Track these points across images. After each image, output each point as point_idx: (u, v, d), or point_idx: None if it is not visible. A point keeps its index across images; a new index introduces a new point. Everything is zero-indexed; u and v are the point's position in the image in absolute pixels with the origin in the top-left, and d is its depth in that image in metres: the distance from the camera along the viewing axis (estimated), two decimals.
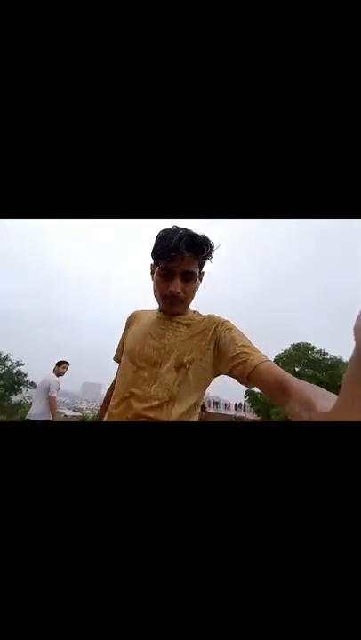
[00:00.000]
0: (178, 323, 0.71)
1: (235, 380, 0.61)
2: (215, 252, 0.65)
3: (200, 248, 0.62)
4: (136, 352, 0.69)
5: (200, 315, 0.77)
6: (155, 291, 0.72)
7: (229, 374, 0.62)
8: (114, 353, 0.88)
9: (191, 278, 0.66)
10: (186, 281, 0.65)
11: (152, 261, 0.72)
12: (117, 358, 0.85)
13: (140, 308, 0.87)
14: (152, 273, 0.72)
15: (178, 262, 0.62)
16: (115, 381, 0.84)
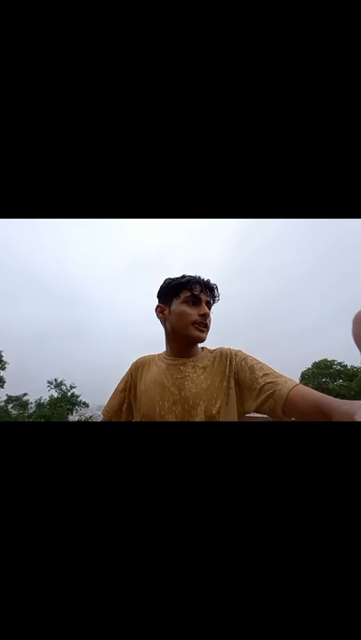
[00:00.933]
0: (193, 367, 0.68)
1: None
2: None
3: (215, 287, 0.72)
4: (156, 412, 0.64)
5: (209, 350, 0.74)
6: (179, 324, 0.69)
7: (259, 411, 0.58)
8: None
9: (209, 309, 0.70)
10: (210, 309, 0.69)
11: (161, 301, 0.74)
12: (111, 409, 0.77)
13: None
14: (162, 312, 0.73)
15: (205, 292, 0.69)
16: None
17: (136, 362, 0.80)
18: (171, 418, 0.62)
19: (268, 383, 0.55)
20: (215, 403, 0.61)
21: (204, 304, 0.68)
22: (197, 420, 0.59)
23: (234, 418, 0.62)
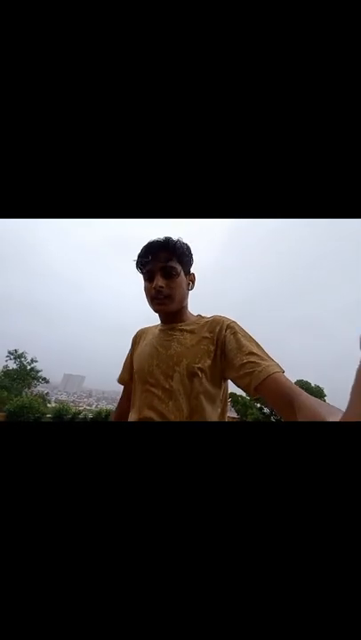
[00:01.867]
0: (181, 330, 0.69)
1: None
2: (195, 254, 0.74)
3: (172, 244, 0.69)
4: (145, 370, 0.67)
5: (204, 317, 0.74)
6: (147, 299, 0.71)
7: (235, 383, 0.60)
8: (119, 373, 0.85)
9: (172, 273, 0.68)
10: (167, 277, 0.67)
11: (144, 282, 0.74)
12: (123, 379, 0.82)
13: (129, 310, 0.89)
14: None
15: (154, 262, 0.67)
16: (122, 403, 0.82)
17: (138, 332, 0.85)
18: (157, 373, 0.64)
19: (251, 362, 0.55)
20: (198, 361, 0.62)
21: (158, 275, 0.67)
22: (178, 376, 0.61)
23: (215, 381, 0.63)
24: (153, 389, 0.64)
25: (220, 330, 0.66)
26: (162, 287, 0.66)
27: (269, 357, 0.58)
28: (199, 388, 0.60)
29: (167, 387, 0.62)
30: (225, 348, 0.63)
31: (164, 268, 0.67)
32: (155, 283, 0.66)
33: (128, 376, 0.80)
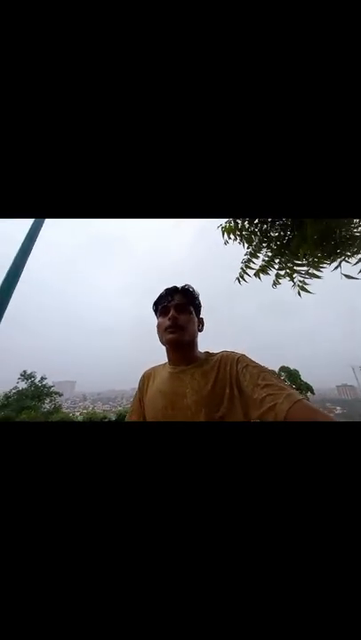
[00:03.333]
0: (193, 374, 0.69)
1: None
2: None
3: (185, 289, 0.80)
4: (161, 420, 0.66)
5: (210, 355, 0.75)
6: (159, 336, 0.76)
7: (260, 420, 0.57)
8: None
9: (185, 310, 0.76)
10: (180, 312, 0.75)
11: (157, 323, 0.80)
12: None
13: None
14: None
15: (171, 300, 0.76)
16: None
17: (143, 374, 0.86)
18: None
19: (270, 395, 0.54)
20: (217, 409, 0.61)
21: (172, 309, 0.74)
22: None
23: (236, 419, 0.61)
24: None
25: (231, 368, 0.65)
26: (176, 317, 0.72)
27: (286, 385, 0.57)
28: None
29: None
30: (240, 385, 0.62)
31: (179, 305, 0.75)
32: (169, 315, 0.73)
33: (138, 419, 0.79)
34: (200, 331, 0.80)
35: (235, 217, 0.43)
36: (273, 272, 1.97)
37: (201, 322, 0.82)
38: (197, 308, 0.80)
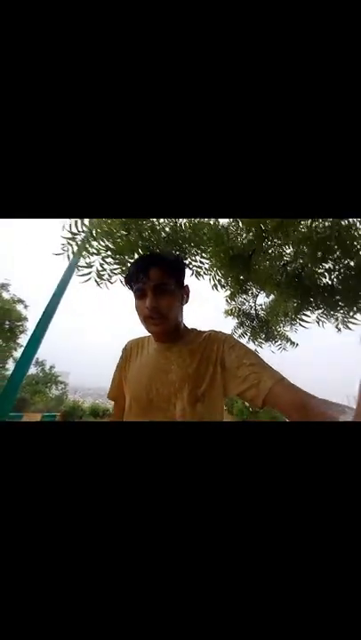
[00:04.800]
0: (180, 351, 0.67)
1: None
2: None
3: (163, 260, 0.67)
4: (144, 395, 0.65)
5: (198, 333, 0.73)
6: (139, 319, 0.68)
7: (241, 397, 0.58)
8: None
9: (165, 290, 0.65)
10: (160, 294, 0.64)
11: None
12: (114, 396, 0.80)
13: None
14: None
15: (145, 280, 0.64)
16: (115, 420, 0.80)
17: (128, 344, 0.80)
18: (158, 400, 0.63)
19: (254, 373, 0.55)
20: (200, 385, 0.61)
21: (150, 293, 0.63)
22: (182, 404, 0.60)
23: (219, 402, 0.63)
24: (153, 415, 0.62)
25: (218, 347, 0.65)
26: (155, 307, 0.63)
27: (269, 366, 0.58)
28: (202, 411, 0.60)
29: (169, 415, 0.61)
30: (225, 363, 0.62)
31: (157, 286, 0.64)
32: (148, 303, 0.63)
33: (119, 392, 0.77)
34: (185, 303, 0.72)
35: (235, 217, 0.43)
36: None
37: (186, 292, 0.72)
38: (180, 276, 0.69)
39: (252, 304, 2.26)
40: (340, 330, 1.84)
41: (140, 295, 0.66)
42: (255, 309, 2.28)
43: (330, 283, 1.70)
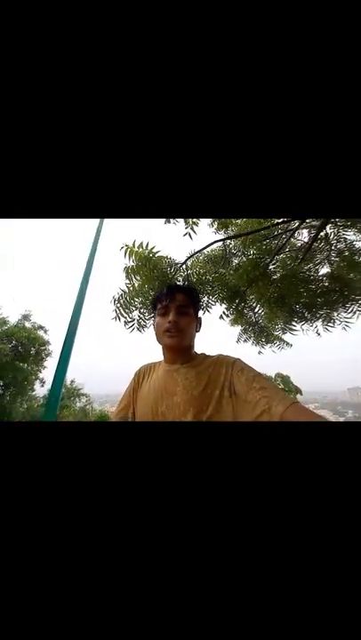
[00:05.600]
0: (186, 374, 0.69)
1: None
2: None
3: (187, 288, 0.79)
4: (150, 419, 0.67)
5: (207, 356, 0.75)
6: (157, 335, 0.75)
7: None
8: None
9: (186, 312, 0.74)
10: (181, 314, 0.73)
11: (154, 321, 0.79)
12: (120, 415, 0.81)
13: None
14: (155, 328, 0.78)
15: (172, 299, 0.74)
16: None
17: (139, 369, 0.85)
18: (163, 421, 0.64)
19: (265, 397, 0.55)
20: (205, 410, 0.61)
21: (173, 311, 0.72)
22: None
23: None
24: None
25: (227, 371, 0.66)
26: (176, 322, 0.71)
27: (280, 389, 0.58)
28: None
29: None
30: (235, 388, 0.62)
31: (180, 306, 0.74)
32: (171, 317, 0.71)
33: (128, 412, 0.79)
34: (198, 331, 0.80)
35: (235, 217, 0.43)
36: None
37: (199, 322, 0.81)
38: (198, 308, 0.80)
39: (253, 314, 2.92)
40: (319, 334, 2.62)
41: (163, 313, 0.75)
42: (255, 319, 2.94)
43: (307, 300, 2.41)
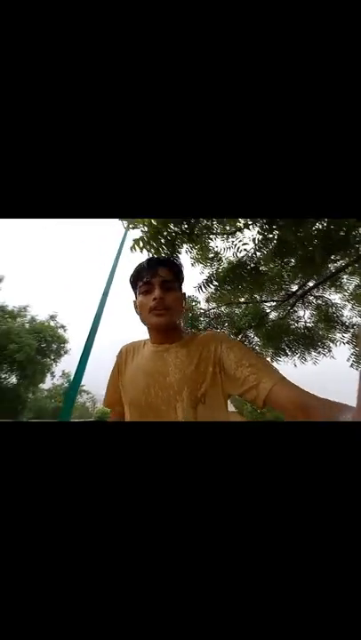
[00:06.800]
0: (176, 352, 0.67)
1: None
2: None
3: (170, 261, 0.73)
4: (143, 402, 0.64)
5: (195, 334, 0.73)
6: (141, 314, 0.70)
7: (242, 398, 0.59)
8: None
9: (171, 287, 0.68)
10: (166, 290, 0.67)
11: (135, 298, 0.73)
12: (109, 403, 0.80)
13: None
14: (135, 307, 0.73)
15: (154, 275, 0.67)
16: None
17: (123, 349, 0.80)
18: (157, 403, 0.62)
19: (253, 374, 0.55)
20: (200, 387, 0.61)
21: (157, 287, 0.66)
22: (183, 407, 0.60)
23: (220, 402, 0.62)
24: (153, 419, 0.62)
25: (216, 347, 0.65)
26: (162, 298, 0.66)
27: (269, 365, 0.58)
28: (204, 413, 0.59)
29: (170, 417, 0.60)
30: (223, 364, 0.62)
31: (165, 282, 0.67)
32: (156, 294, 0.66)
33: (116, 399, 0.76)
34: (184, 307, 0.75)
35: (235, 217, 0.43)
36: None
37: (184, 297, 0.75)
38: (181, 282, 0.73)
39: (250, 342, 3.68)
40: (296, 366, 3.62)
41: (145, 291, 0.68)
42: (253, 346, 3.64)
43: (287, 344, 3.59)
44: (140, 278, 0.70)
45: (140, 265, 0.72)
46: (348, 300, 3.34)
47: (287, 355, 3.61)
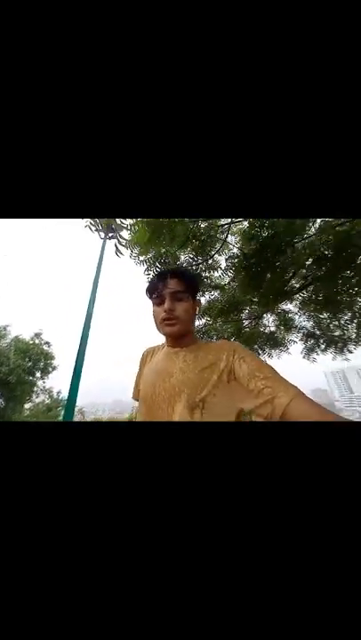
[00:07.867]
0: (185, 356, 0.71)
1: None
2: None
3: (181, 272, 0.76)
4: (149, 397, 0.69)
5: (208, 342, 0.76)
6: (156, 324, 0.75)
7: (256, 413, 0.57)
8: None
9: (182, 298, 0.72)
10: (177, 301, 0.71)
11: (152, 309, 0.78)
12: (135, 396, 0.87)
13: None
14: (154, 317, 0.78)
15: (165, 287, 0.72)
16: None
17: (145, 352, 0.89)
18: (160, 402, 0.65)
19: (268, 387, 0.54)
20: (199, 392, 0.61)
21: (168, 298, 0.70)
22: (179, 408, 0.60)
23: (223, 412, 0.60)
24: (155, 415, 0.65)
25: (228, 357, 0.65)
26: (172, 309, 0.70)
27: (284, 379, 0.56)
28: (201, 419, 0.59)
29: (167, 416, 0.62)
30: (236, 375, 0.61)
31: (174, 293, 0.71)
32: (166, 306, 0.70)
33: (138, 395, 0.83)
34: (197, 314, 0.81)
35: (235, 217, 0.43)
36: None
37: (198, 304, 0.79)
38: (194, 291, 0.77)
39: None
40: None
41: (158, 302, 0.73)
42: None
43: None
44: (153, 290, 0.75)
45: (153, 277, 0.77)
46: (299, 308, 4.27)
47: (259, 354, 4.59)
